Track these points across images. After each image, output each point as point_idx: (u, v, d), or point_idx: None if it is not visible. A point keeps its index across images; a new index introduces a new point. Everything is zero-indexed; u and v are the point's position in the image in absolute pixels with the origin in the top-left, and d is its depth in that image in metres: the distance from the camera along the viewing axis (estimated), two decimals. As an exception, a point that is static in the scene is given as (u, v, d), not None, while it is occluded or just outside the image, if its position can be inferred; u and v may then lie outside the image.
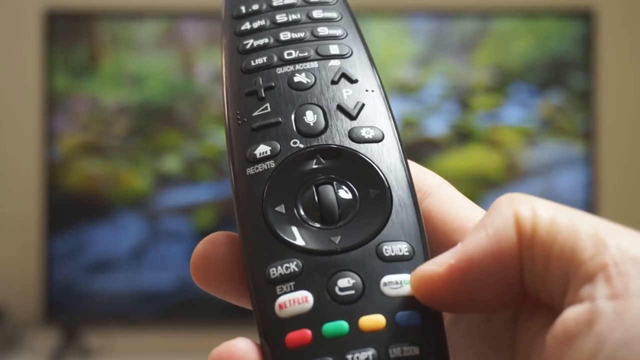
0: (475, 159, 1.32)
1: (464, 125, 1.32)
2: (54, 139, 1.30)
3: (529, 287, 0.24)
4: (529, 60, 1.34)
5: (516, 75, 1.33)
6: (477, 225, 0.25)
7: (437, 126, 1.31)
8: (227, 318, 1.28)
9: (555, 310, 0.23)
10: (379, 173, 0.27)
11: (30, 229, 1.35)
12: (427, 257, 0.26)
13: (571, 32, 1.33)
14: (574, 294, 0.23)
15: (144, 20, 1.32)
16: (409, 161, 0.28)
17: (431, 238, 0.27)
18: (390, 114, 0.28)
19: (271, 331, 0.25)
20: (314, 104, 0.28)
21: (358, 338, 0.24)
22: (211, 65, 1.32)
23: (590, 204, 1.31)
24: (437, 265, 0.25)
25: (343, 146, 0.27)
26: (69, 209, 1.30)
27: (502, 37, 1.34)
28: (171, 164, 1.31)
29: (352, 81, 0.29)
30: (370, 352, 0.24)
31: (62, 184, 1.30)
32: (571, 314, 0.22)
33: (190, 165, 1.31)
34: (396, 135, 0.28)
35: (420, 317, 0.25)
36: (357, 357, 0.24)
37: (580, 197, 1.31)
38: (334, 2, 0.31)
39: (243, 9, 0.31)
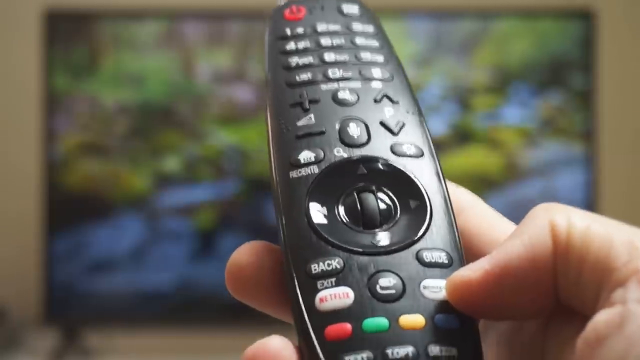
0: (475, 159, 1.32)
1: (464, 125, 1.32)
2: (54, 139, 1.30)
3: (562, 294, 0.25)
4: (529, 60, 1.34)
5: (516, 75, 1.33)
6: (512, 233, 0.26)
7: (437, 126, 1.31)
8: (227, 318, 1.28)
9: (587, 318, 0.24)
10: (419, 186, 0.28)
11: (30, 228, 1.35)
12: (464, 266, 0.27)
13: (571, 32, 1.33)
14: (606, 298, 0.23)
15: (144, 20, 1.32)
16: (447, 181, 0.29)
17: (466, 252, 0.27)
18: (428, 134, 0.30)
19: (310, 323, 0.25)
20: (358, 118, 0.29)
21: (398, 335, 0.25)
22: (211, 65, 1.32)
23: (590, 204, 1.31)
24: (472, 271, 0.25)
25: (385, 158, 0.28)
26: (69, 209, 1.30)
27: (502, 37, 1.34)
28: (171, 164, 1.31)
29: (394, 102, 0.30)
30: (409, 349, 0.24)
31: (62, 183, 1.30)
32: (602, 316, 0.23)
33: (190, 165, 1.31)
34: (434, 154, 0.29)
35: (459, 322, 0.25)
36: (397, 352, 0.24)
37: (580, 197, 1.31)
38: (376, 32, 0.33)
39: (288, 31, 0.32)
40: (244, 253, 0.28)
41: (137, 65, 1.31)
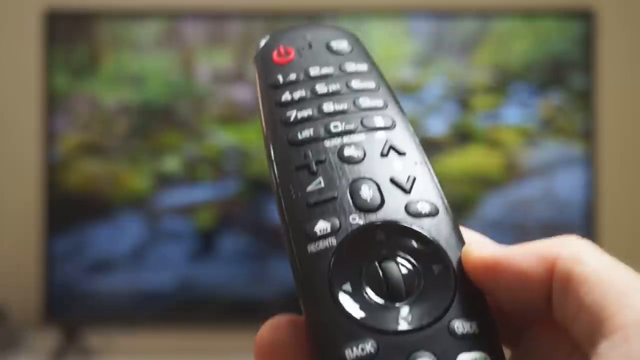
0: (475, 159, 1.32)
1: (464, 125, 1.32)
2: (54, 139, 1.30)
3: (558, 319, 0.25)
4: (529, 60, 1.33)
5: (516, 75, 1.33)
6: (529, 244, 0.26)
7: (437, 126, 1.31)
8: (227, 318, 1.28)
9: (580, 348, 0.24)
10: (439, 248, 0.27)
11: (30, 229, 1.35)
12: (495, 333, 0.26)
13: (571, 32, 1.33)
14: (595, 350, 0.23)
15: (144, 20, 1.32)
16: (462, 228, 0.29)
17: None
18: (437, 185, 0.29)
19: None
20: (368, 178, 0.29)
21: None
22: (211, 65, 1.32)
23: (590, 204, 1.31)
24: (479, 251, 0.27)
25: (402, 222, 0.28)
26: (69, 209, 1.30)
27: (502, 37, 1.34)
28: (171, 164, 1.31)
29: (401, 154, 0.29)
30: None
31: (62, 183, 1.30)
32: None
33: (190, 165, 1.31)
34: (447, 207, 0.28)
35: None
36: None
37: (580, 197, 1.31)
38: (369, 70, 0.32)
39: (280, 78, 0.31)
40: (269, 331, 0.27)
41: (137, 65, 1.31)
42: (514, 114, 1.33)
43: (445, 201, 0.29)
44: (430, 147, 1.30)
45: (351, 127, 0.30)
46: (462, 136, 1.32)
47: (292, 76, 0.31)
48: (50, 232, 1.29)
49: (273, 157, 0.29)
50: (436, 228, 0.28)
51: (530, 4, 1.37)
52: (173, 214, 1.30)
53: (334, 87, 0.31)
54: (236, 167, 1.31)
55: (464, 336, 0.26)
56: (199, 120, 1.31)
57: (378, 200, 0.28)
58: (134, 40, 1.32)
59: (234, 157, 1.31)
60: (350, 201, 0.28)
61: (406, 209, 0.28)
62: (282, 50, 0.32)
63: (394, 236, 0.27)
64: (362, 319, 0.26)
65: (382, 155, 0.29)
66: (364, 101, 0.31)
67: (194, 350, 1.31)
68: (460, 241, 0.28)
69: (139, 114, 1.31)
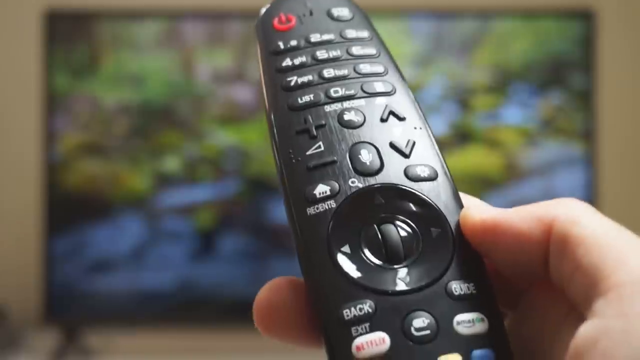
0: (475, 159, 1.32)
1: (464, 125, 1.32)
2: (54, 139, 1.30)
3: (555, 280, 0.25)
4: (529, 60, 1.33)
5: (516, 75, 1.33)
6: (528, 206, 0.27)
7: (437, 126, 1.31)
8: (227, 318, 1.28)
9: (577, 309, 0.24)
10: (438, 211, 0.28)
11: (30, 229, 1.35)
12: (493, 295, 0.27)
13: (571, 32, 1.33)
14: (590, 308, 0.23)
15: (144, 20, 1.32)
16: (461, 193, 0.29)
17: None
18: (437, 150, 0.29)
19: None
20: (367, 142, 0.29)
21: None
22: (211, 65, 1.32)
23: (590, 204, 1.31)
24: (479, 214, 0.27)
25: (401, 185, 0.28)
26: (69, 209, 1.30)
27: (502, 37, 1.34)
28: (171, 164, 1.31)
29: (400, 119, 0.30)
30: None
31: (62, 184, 1.30)
32: (582, 332, 0.23)
33: (190, 165, 1.31)
34: (447, 171, 0.29)
35: (494, 355, 0.25)
36: None
37: (580, 197, 1.30)
38: (370, 37, 0.32)
39: (281, 44, 0.32)
40: (269, 292, 0.28)
41: (137, 65, 1.31)
42: (514, 114, 1.33)
43: (445, 165, 0.29)
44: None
45: (351, 92, 0.30)
46: (462, 136, 1.32)
47: (293, 42, 0.31)
48: (50, 232, 1.29)
49: (273, 122, 0.30)
50: (435, 192, 0.28)
51: (530, 4, 1.37)
52: (173, 214, 1.30)
53: (334, 53, 0.31)
54: (236, 167, 1.31)
55: (461, 297, 0.26)
56: (199, 120, 1.31)
57: (377, 164, 0.28)
58: (134, 40, 1.32)
59: (234, 157, 1.31)
60: (350, 165, 0.28)
61: (405, 172, 0.28)
62: (283, 17, 0.32)
63: (393, 199, 0.28)
64: (360, 279, 0.26)
65: (382, 120, 0.29)
66: (364, 67, 0.31)
67: (194, 350, 1.31)
68: (459, 205, 0.28)
69: (139, 114, 1.31)
